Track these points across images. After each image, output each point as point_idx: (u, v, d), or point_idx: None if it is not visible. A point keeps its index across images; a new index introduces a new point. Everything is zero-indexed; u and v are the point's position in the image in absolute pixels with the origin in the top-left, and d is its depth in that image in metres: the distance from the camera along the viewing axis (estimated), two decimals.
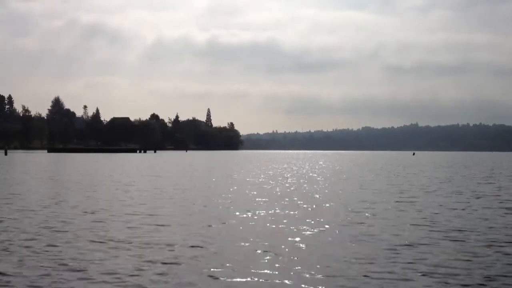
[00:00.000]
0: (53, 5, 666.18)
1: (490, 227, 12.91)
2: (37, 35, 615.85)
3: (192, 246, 10.30)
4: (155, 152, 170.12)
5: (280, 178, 32.90)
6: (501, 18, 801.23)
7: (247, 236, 11.39)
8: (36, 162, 65.50)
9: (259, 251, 9.86)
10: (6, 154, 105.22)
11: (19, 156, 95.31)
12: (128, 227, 12.59)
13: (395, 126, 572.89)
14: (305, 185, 26.88)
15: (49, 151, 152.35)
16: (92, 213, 15.32)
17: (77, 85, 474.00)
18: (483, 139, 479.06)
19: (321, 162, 74.49)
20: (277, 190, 23.76)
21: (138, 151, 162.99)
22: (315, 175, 37.43)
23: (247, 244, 10.55)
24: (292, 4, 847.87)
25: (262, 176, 35.55)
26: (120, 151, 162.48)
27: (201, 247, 10.24)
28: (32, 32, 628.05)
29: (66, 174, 36.49)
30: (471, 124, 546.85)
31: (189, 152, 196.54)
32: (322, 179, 32.44)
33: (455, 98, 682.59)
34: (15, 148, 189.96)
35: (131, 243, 10.61)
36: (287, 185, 27.16)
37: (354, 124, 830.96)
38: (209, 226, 12.95)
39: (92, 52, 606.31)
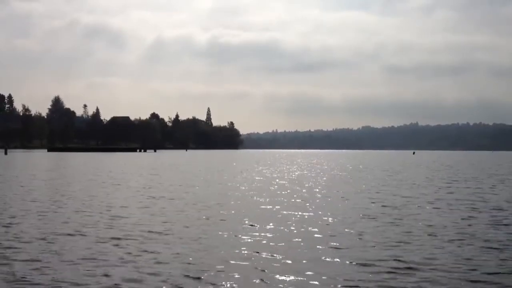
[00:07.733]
0: (54, 5, 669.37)
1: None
2: (38, 35, 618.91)
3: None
4: (155, 151, 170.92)
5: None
6: (502, 19, 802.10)
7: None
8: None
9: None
10: (6, 153, 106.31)
11: (21, 156, 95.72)
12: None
13: (395, 126, 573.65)
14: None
15: (49, 150, 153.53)
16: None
17: (78, 85, 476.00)
18: (483, 139, 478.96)
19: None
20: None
21: (138, 150, 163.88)
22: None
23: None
24: (294, 5, 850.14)
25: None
26: (120, 150, 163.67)
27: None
28: (33, 32, 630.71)
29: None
30: (471, 124, 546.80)
31: (189, 151, 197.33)
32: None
33: (456, 97, 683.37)
34: (15, 147, 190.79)
35: None
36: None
37: (354, 123, 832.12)
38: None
39: (93, 52, 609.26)
